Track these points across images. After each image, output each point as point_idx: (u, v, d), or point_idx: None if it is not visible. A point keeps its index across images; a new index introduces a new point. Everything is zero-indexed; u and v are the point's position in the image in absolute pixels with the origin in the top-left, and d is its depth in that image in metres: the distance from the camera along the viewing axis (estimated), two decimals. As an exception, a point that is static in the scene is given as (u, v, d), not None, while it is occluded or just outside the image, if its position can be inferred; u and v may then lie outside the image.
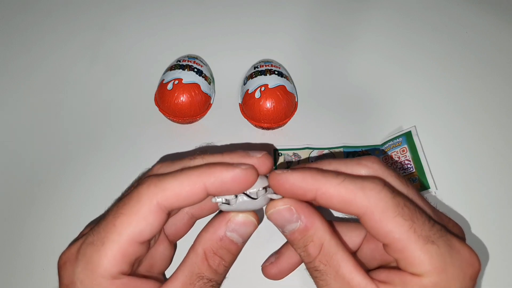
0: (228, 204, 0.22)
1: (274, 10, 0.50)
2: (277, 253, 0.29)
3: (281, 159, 0.39)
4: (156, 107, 0.40)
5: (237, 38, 0.47)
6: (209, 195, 0.22)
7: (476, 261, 0.22)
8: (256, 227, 0.23)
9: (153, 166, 0.24)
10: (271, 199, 0.23)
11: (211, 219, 0.23)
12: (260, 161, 0.22)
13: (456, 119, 0.42)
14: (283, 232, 0.23)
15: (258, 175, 0.22)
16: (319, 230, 0.22)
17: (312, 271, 0.23)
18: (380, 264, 0.25)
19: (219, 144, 0.40)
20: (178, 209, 0.23)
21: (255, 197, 0.22)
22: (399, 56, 0.46)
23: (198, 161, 0.23)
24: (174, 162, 0.24)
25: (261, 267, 0.29)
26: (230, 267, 0.23)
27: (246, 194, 0.22)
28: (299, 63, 0.45)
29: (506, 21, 0.49)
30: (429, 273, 0.20)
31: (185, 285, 0.21)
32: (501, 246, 0.35)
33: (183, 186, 0.21)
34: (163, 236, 0.26)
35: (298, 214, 0.22)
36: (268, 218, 0.23)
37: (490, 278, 0.34)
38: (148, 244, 0.23)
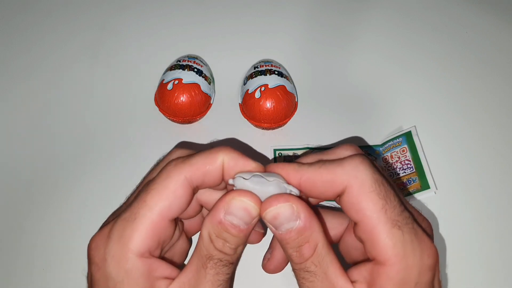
0: (235, 187, 0.23)
1: (274, 10, 0.50)
2: (270, 248, 0.29)
3: (281, 159, 0.39)
4: (156, 107, 0.40)
5: (237, 38, 0.47)
6: (225, 173, 0.23)
7: (435, 252, 0.22)
8: (257, 212, 0.23)
9: (169, 152, 0.26)
10: (290, 192, 0.23)
11: (214, 204, 0.23)
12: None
13: (456, 119, 0.42)
14: (276, 230, 0.23)
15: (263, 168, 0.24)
16: (315, 231, 0.22)
17: (301, 272, 0.23)
18: (361, 254, 0.25)
19: (221, 138, 0.40)
20: (203, 186, 0.24)
21: (270, 180, 0.23)
22: (399, 56, 0.46)
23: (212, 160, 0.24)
24: (192, 163, 0.25)
25: (262, 267, 0.29)
26: (239, 247, 0.23)
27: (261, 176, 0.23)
28: (299, 63, 0.45)
29: (506, 21, 0.49)
30: (390, 261, 0.21)
31: (198, 268, 0.22)
32: (501, 245, 0.35)
33: (206, 161, 0.23)
34: (182, 231, 0.28)
35: (298, 213, 0.22)
36: (265, 215, 0.22)
37: (491, 277, 0.34)
38: (175, 226, 0.24)
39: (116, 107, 0.43)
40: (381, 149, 0.39)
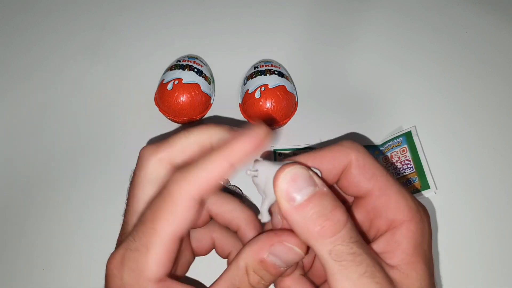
0: (256, 176, 0.22)
1: (274, 10, 0.50)
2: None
3: (281, 159, 0.39)
4: (156, 107, 0.40)
5: (237, 38, 0.47)
6: (235, 168, 0.22)
7: (425, 208, 0.24)
8: (301, 257, 0.22)
9: (140, 156, 0.25)
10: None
11: (258, 235, 0.22)
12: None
13: (456, 119, 0.42)
14: (292, 203, 0.21)
15: (270, 134, 0.22)
16: (339, 200, 0.22)
17: (346, 245, 0.21)
18: (355, 195, 0.25)
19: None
20: (211, 194, 0.23)
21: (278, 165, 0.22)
22: (399, 56, 0.46)
23: (194, 136, 0.23)
24: (169, 144, 0.24)
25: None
26: (271, 284, 0.23)
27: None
28: (299, 63, 0.45)
29: (506, 21, 0.49)
30: (408, 216, 0.22)
31: None
32: (501, 245, 0.35)
33: (212, 173, 0.21)
34: (189, 244, 0.27)
35: (313, 179, 0.21)
36: (278, 185, 0.21)
37: (491, 277, 0.34)
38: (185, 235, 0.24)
39: (116, 107, 0.43)
40: (381, 149, 0.39)
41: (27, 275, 0.34)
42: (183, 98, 0.38)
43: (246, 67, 0.42)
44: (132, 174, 0.24)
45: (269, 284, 0.23)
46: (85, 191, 0.38)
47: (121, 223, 0.25)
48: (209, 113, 0.41)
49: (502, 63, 0.45)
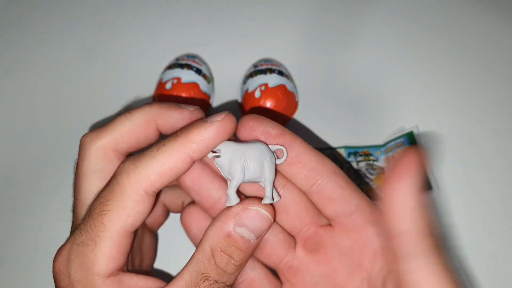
0: (219, 156, 0.20)
1: (275, 9, 0.50)
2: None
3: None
4: (154, 106, 0.40)
5: (237, 36, 0.47)
6: (194, 161, 0.20)
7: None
8: (271, 222, 0.20)
9: (81, 143, 0.24)
10: (275, 152, 0.22)
11: (220, 213, 0.21)
12: (224, 122, 0.20)
13: (458, 119, 0.42)
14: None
15: (236, 122, 0.20)
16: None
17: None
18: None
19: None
20: (166, 186, 0.21)
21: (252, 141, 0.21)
22: (401, 55, 0.46)
23: (138, 117, 0.22)
24: (110, 129, 0.22)
25: None
26: (243, 266, 0.21)
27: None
28: (300, 62, 0.45)
29: (506, 21, 0.48)
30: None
31: (189, 286, 0.20)
32: (504, 246, 0.35)
33: (166, 164, 0.19)
34: (146, 227, 0.26)
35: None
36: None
37: (493, 279, 0.34)
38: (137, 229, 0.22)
39: (114, 107, 0.42)
40: (382, 149, 0.39)
41: (27, 275, 0.34)
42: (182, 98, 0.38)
43: (246, 66, 0.42)
44: (75, 164, 0.23)
45: (241, 265, 0.20)
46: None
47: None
48: (209, 113, 0.41)
49: (505, 63, 0.45)
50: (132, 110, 0.22)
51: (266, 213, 0.20)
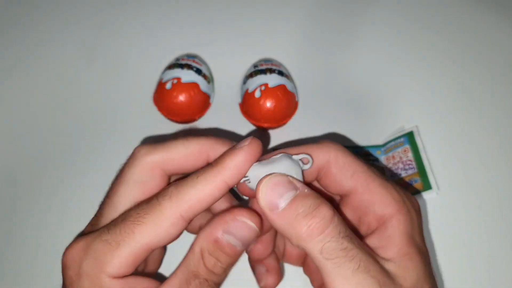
0: (249, 182, 0.22)
1: (275, 9, 0.50)
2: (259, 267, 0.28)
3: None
4: (154, 106, 0.40)
5: (237, 36, 0.47)
6: (229, 187, 0.22)
7: (415, 198, 0.24)
8: (257, 233, 0.22)
9: (134, 153, 0.24)
10: (302, 162, 0.23)
11: (212, 219, 0.22)
12: (250, 148, 0.22)
13: (458, 119, 0.41)
14: (276, 211, 0.21)
15: (262, 144, 0.22)
16: (319, 197, 0.21)
17: (335, 241, 0.20)
18: (339, 193, 0.25)
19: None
20: (200, 213, 0.22)
21: (277, 156, 0.22)
22: (401, 55, 0.46)
23: (194, 145, 0.23)
24: (165, 149, 0.23)
25: (247, 253, 0.27)
26: (230, 268, 0.22)
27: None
28: (299, 62, 0.45)
29: (506, 21, 0.48)
30: (395, 209, 0.22)
31: (181, 284, 0.21)
32: (504, 246, 0.35)
33: (205, 192, 0.21)
34: None
35: (294, 183, 0.21)
36: (260, 196, 0.21)
37: (492, 278, 0.34)
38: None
39: (114, 107, 0.42)
40: (382, 149, 0.39)
41: (27, 275, 0.34)
42: (182, 98, 0.38)
43: (246, 66, 0.42)
44: (121, 169, 0.24)
45: (228, 268, 0.22)
46: (84, 192, 0.38)
47: (95, 213, 0.24)
48: (209, 113, 0.41)
49: (504, 63, 0.45)
50: (190, 137, 0.23)
51: (252, 225, 0.21)
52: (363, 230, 0.24)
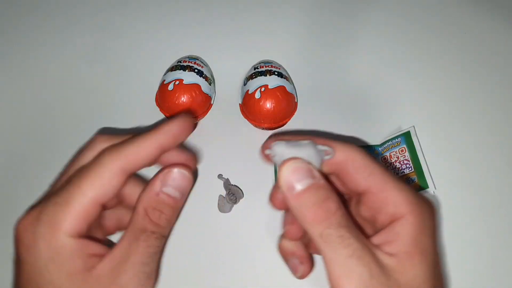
0: (274, 156, 0.24)
1: (275, 11, 0.50)
2: (287, 214, 0.29)
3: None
4: (157, 107, 0.40)
5: (237, 38, 0.48)
6: (164, 151, 0.25)
7: (432, 203, 0.24)
8: (191, 181, 0.25)
9: (92, 139, 0.26)
10: (324, 152, 0.25)
11: (150, 180, 0.25)
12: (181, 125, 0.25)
13: (455, 120, 0.42)
14: (293, 193, 0.23)
15: (190, 122, 0.26)
16: (333, 191, 0.23)
17: (334, 229, 0.22)
18: (355, 191, 0.26)
19: (221, 138, 0.40)
20: (138, 170, 0.25)
21: (304, 142, 0.24)
22: (399, 56, 0.46)
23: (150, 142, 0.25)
24: (114, 136, 0.26)
25: (281, 235, 0.29)
26: (174, 220, 0.25)
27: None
28: (299, 64, 0.45)
29: (506, 21, 0.49)
30: (407, 209, 0.23)
31: (131, 242, 0.23)
32: (501, 245, 0.35)
33: (141, 148, 0.24)
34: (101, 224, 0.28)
35: (313, 172, 0.23)
36: (281, 176, 0.23)
37: (491, 277, 0.34)
38: (103, 208, 0.24)
39: (117, 108, 0.43)
40: (380, 149, 0.39)
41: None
42: (183, 99, 0.38)
43: (246, 68, 0.43)
44: (80, 151, 0.26)
45: (171, 219, 0.25)
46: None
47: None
48: (210, 114, 0.41)
49: (501, 63, 0.46)
50: (144, 135, 0.25)
51: (186, 173, 0.25)
52: (378, 227, 0.25)
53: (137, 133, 0.25)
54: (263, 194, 0.37)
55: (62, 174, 0.26)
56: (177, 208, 0.25)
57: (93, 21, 0.49)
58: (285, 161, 0.23)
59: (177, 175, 0.24)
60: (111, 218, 0.28)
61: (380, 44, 0.47)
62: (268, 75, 0.39)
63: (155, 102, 0.41)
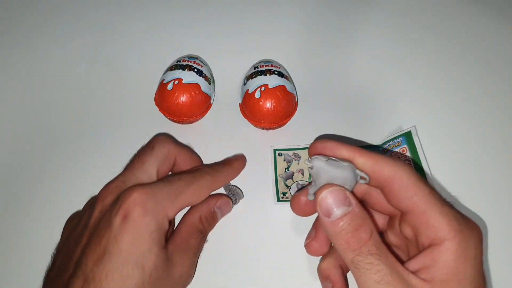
0: (311, 168, 0.26)
1: (274, 10, 0.50)
2: (313, 228, 0.31)
3: (281, 159, 0.39)
4: (156, 107, 0.40)
5: (237, 38, 0.47)
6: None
7: (479, 228, 0.24)
8: (231, 209, 0.35)
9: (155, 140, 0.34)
10: (360, 177, 0.25)
11: (207, 198, 0.33)
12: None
13: (455, 119, 0.42)
14: (328, 219, 0.24)
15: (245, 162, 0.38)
16: (368, 218, 0.24)
17: (362, 260, 0.23)
18: (398, 209, 0.26)
19: (221, 138, 0.40)
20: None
21: (345, 164, 0.25)
22: (399, 56, 0.46)
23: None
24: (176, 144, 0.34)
25: (304, 246, 0.31)
26: (212, 228, 0.34)
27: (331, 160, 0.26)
28: (299, 63, 0.45)
29: (506, 21, 0.49)
30: (449, 235, 0.22)
31: (188, 236, 0.30)
32: (502, 245, 0.35)
33: (222, 178, 0.35)
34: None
35: (349, 199, 0.24)
36: (319, 201, 0.24)
37: (493, 278, 0.34)
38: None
39: (116, 107, 0.43)
40: (381, 149, 0.39)
41: (27, 275, 0.34)
42: (183, 98, 0.38)
43: (246, 67, 0.42)
44: (143, 149, 0.33)
45: (211, 228, 0.34)
46: (85, 191, 0.38)
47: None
48: (209, 113, 0.41)
49: (502, 63, 0.46)
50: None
51: (230, 202, 0.35)
52: (420, 247, 0.25)
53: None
54: (263, 194, 0.37)
55: (134, 163, 0.31)
56: (215, 224, 0.34)
57: (92, 21, 0.49)
58: (324, 186, 0.25)
59: (225, 202, 0.34)
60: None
61: (380, 44, 0.47)
62: (268, 74, 0.39)
63: (154, 102, 0.41)
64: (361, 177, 0.26)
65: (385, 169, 0.25)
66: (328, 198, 0.24)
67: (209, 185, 0.32)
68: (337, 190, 0.24)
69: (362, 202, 0.29)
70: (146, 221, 0.26)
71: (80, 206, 0.37)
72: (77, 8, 0.50)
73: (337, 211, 0.24)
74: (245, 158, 0.37)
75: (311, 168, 0.26)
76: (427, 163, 0.37)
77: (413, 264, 0.24)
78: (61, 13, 0.50)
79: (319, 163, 0.25)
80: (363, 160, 0.25)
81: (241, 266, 0.34)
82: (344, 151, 0.26)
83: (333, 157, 0.26)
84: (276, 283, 0.33)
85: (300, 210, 0.29)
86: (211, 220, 0.33)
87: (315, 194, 0.26)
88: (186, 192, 0.30)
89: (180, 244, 0.29)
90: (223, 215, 0.34)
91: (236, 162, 0.36)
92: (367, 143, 0.40)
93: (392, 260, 0.23)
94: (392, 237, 0.28)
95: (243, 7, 0.50)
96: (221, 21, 0.49)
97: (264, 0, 0.51)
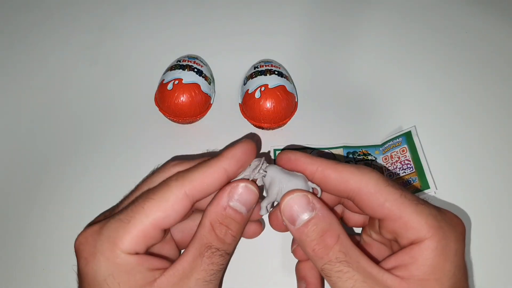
0: (264, 176, 0.25)
1: (274, 10, 0.50)
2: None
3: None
4: (156, 107, 0.40)
5: (237, 38, 0.47)
6: (229, 178, 0.24)
7: (460, 220, 0.24)
8: (257, 196, 0.24)
9: (165, 164, 0.27)
10: (312, 189, 0.25)
11: (215, 195, 0.24)
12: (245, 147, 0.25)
13: (456, 119, 0.42)
14: (294, 227, 0.23)
15: (255, 145, 0.25)
16: (334, 221, 0.23)
17: (332, 267, 0.22)
18: (373, 217, 0.26)
19: (221, 138, 0.40)
20: (203, 197, 0.24)
21: (298, 174, 0.25)
22: (399, 56, 0.46)
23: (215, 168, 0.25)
24: (186, 161, 0.26)
25: (291, 252, 0.30)
26: (238, 237, 0.24)
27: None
28: (299, 63, 0.45)
29: (506, 21, 0.49)
30: (428, 234, 0.22)
31: (195, 257, 0.23)
32: (501, 244, 0.35)
33: (206, 175, 0.23)
34: (171, 240, 0.27)
35: (313, 204, 0.23)
36: (282, 208, 0.24)
37: (491, 277, 0.34)
38: (165, 232, 0.24)
39: (116, 107, 0.43)
40: (381, 149, 0.39)
41: (27, 275, 0.34)
42: (183, 98, 0.38)
43: (246, 67, 0.42)
44: (150, 175, 0.26)
45: (237, 236, 0.24)
46: (86, 191, 0.38)
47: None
48: (209, 113, 0.41)
49: (502, 63, 0.46)
50: (211, 162, 0.24)
51: (252, 187, 0.24)
52: (401, 246, 0.24)
53: (205, 159, 0.25)
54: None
55: (131, 193, 0.26)
56: (243, 224, 0.24)
57: (92, 21, 0.49)
58: (288, 193, 0.24)
59: (244, 189, 0.24)
60: (183, 229, 0.28)
61: (380, 44, 0.47)
62: (268, 74, 0.39)
63: (154, 102, 0.41)
64: (314, 190, 0.25)
65: (350, 181, 0.24)
66: (291, 205, 0.23)
67: (177, 195, 0.23)
68: (299, 196, 0.23)
69: (339, 206, 0.28)
70: (96, 266, 0.22)
71: (80, 206, 0.37)
72: (77, 8, 0.50)
73: (301, 217, 0.23)
74: (248, 144, 0.25)
75: (264, 176, 0.25)
76: (427, 163, 0.37)
77: (391, 262, 0.23)
78: (61, 13, 0.50)
79: (274, 171, 0.25)
80: (329, 172, 0.24)
81: (241, 267, 0.34)
82: (308, 164, 0.25)
83: (291, 170, 0.25)
84: (276, 284, 0.33)
85: (278, 225, 0.27)
86: (229, 224, 0.23)
87: (267, 207, 0.26)
88: (140, 214, 0.22)
89: (180, 270, 0.22)
90: (248, 209, 0.24)
91: (229, 152, 0.25)
92: (367, 143, 0.40)
93: (365, 264, 0.22)
94: (374, 235, 0.27)
95: (243, 7, 0.50)
96: (221, 21, 0.49)
97: (264, 0, 0.51)
